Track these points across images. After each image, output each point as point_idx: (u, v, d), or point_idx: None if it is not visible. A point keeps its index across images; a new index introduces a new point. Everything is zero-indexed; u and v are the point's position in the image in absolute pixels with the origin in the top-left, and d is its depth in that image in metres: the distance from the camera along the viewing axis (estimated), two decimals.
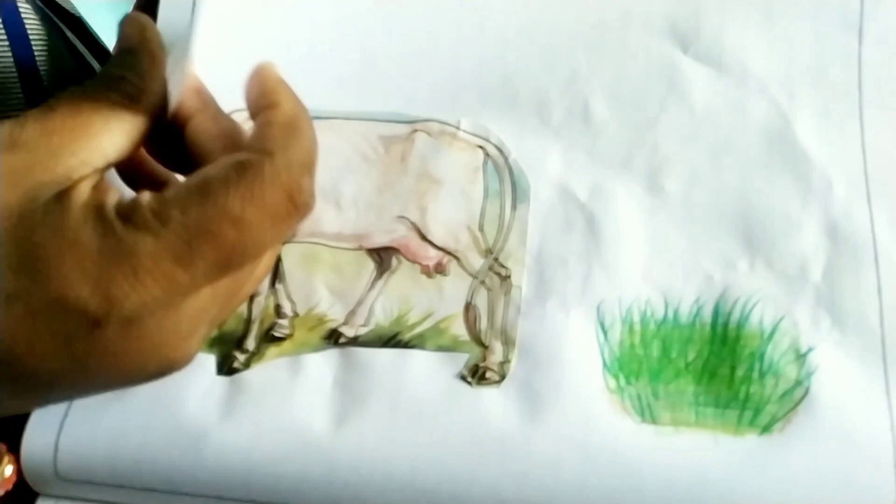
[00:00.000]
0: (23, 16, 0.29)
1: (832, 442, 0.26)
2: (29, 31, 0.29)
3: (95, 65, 0.34)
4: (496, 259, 0.31)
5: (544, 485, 0.27)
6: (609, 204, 0.31)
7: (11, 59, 0.28)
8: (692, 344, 0.29)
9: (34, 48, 0.29)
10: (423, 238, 0.32)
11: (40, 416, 0.29)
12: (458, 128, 0.33)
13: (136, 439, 0.28)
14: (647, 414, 0.28)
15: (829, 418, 0.27)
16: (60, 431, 0.29)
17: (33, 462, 0.28)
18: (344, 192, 0.32)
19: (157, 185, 0.21)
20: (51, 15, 0.31)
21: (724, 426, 0.27)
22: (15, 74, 0.27)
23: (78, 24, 0.34)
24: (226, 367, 0.30)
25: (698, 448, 0.27)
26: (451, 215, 0.32)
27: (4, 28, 0.27)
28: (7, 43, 0.27)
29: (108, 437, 0.28)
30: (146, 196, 0.18)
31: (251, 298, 0.31)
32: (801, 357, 0.28)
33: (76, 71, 0.33)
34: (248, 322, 0.31)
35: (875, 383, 0.27)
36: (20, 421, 0.29)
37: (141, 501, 0.28)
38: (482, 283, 0.31)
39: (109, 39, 0.38)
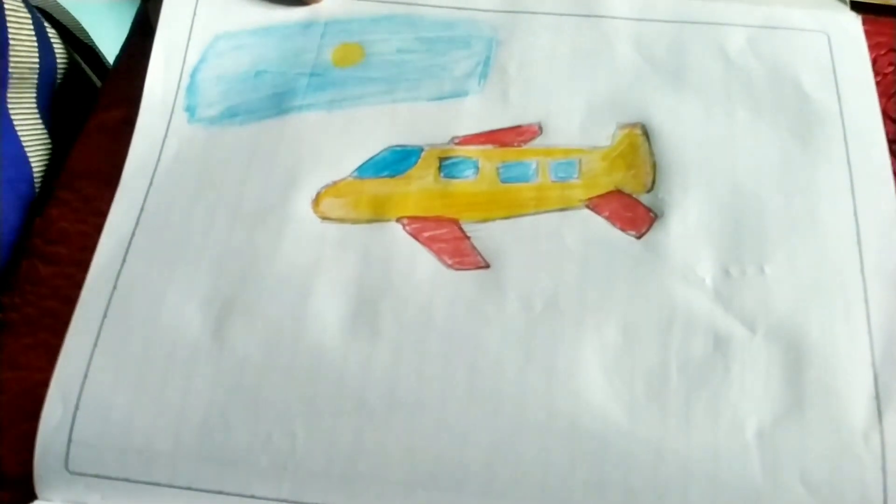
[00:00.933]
0: (55, 52, 0.34)
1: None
2: (58, 63, 0.35)
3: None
4: None
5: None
6: None
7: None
8: None
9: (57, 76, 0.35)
10: None
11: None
12: None
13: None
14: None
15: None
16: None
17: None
18: None
19: None
20: (72, 51, 0.36)
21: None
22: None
23: (91, 53, 0.39)
24: None
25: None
26: None
27: (39, 63, 0.33)
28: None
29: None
30: None
31: None
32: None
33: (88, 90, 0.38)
34: None
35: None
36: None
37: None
38: None
39: (110, 39, 0.40)
